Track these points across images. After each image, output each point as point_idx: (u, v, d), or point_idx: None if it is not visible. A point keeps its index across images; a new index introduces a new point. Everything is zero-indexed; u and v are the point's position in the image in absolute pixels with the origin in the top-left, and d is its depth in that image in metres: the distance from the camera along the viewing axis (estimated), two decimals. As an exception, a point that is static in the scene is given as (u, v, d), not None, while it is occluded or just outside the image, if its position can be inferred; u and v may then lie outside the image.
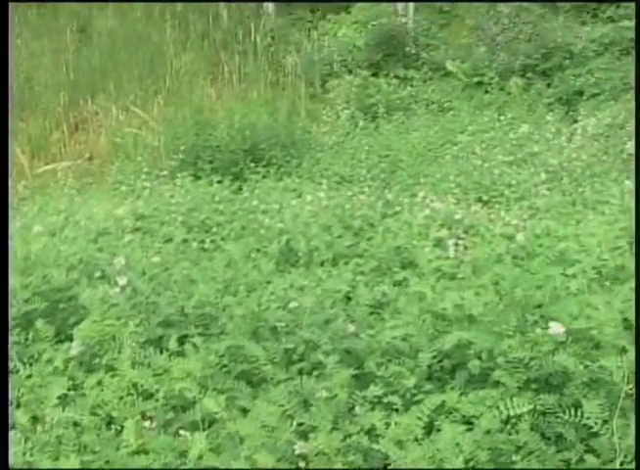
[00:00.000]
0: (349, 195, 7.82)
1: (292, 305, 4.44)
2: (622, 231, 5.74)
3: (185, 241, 7.12)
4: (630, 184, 7.99)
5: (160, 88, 14.95)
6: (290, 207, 7.52)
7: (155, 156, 11.82)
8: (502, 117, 12.52)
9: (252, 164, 10.30)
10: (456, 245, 5.97)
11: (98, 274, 4.95)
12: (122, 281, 4.49)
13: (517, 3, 16.59)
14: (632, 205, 6.32)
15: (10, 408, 3.52)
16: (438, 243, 6.22)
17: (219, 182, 9.18)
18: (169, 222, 7.68)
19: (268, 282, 5.22)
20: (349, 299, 5.03)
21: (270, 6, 18.36)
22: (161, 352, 3.88)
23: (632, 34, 15.74)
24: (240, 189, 9.27)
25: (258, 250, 6.39)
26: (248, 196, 8.50)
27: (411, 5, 16.61)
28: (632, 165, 9.72)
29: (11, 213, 4.29)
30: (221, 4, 18.35)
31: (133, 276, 4.73)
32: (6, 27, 4.33)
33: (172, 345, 3.93)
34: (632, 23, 16.09)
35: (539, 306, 4.10)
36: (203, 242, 7.03)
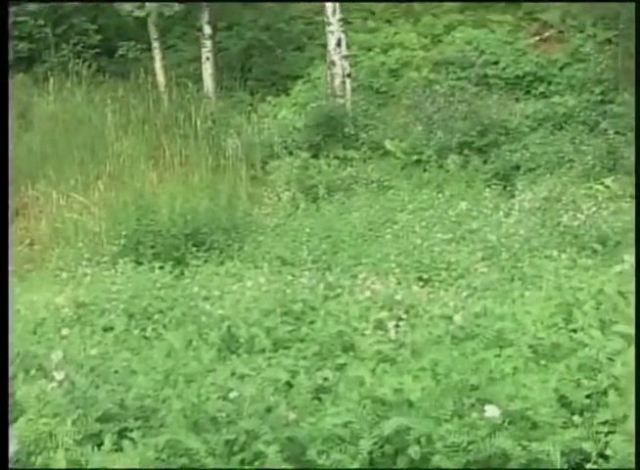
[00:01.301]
0: (291, 278, 7.85)
1: (232, 394, 4.42)
2: (557, 308, 5.83)
3: (126, 329, 7.06)
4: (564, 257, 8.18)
5: (101, 173, 14.97)
6: (231, 292, 7.52)
7: (96, 241, 11.78)
8: (441, 195, 12.72)
9: (194, 249, 10.32)
10: (396, 327, 6.01)
11: (35, 369, 4.90)
12: (60, 376, 4.45)
13: (452, 83, 17.04)
14: (563, 281, 6.44)
15: (10, 409, 3.44)
16: (379, 325, 6.25)
17: (161, 268, 9.15)
18: (110, 310, 7.63)
19: (209, 371, 5.19)
20: (291, 385, 5.02)
21: (210, 89, 18.63)
22: (99, 449, 3.84)
23: (564, 109, 16.20)
24: (182, 274, 9.26)
25: (199, 337, 6.36)
26: (189, 282, 8.49)
27: (349, 86, 16.93)
28: (568, 239, 9.93)
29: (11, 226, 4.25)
30: (161, 88, 18.56)
31: (71, 370, 4.68)
32: (6, 27, 4.34)
33: (110, 441, 3.89)
34: (562, 99, 16.60)
35: (476, 389, 4.15)
36: (144, 330, 6.98)
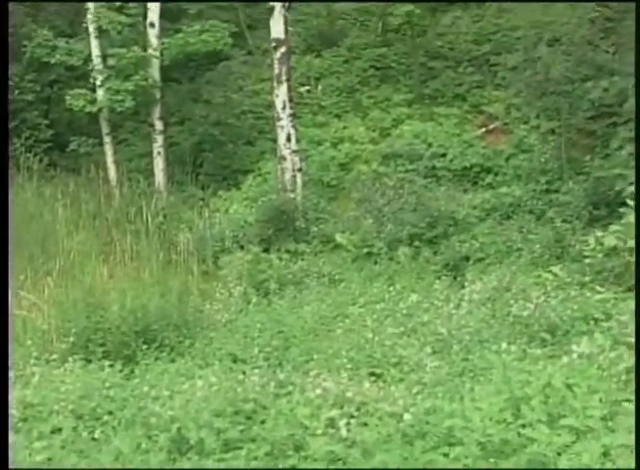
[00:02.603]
0: (242, 376, 7.79)
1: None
2: (506, 402, 5.86)
3: (74, 431, 6.94)
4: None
5: (51, 269, 14.84)
6: (181, 392, 7.44)
7: (45, 339, 11.61)
8: (392, 288, 12.76)
9: (145, 347, 10.22)
10: (348, 425, 5.99)
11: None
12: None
13: (401, 175, 17.32)
14: (512, 374, 6.47)
15: (10, 409, 3.33)
16: (331, 423, 6.22)
17: (111, 366, 9.03)
18: (59, 411, 7.49)
19: (157, 476, 5.12)
20: (241, 488, 4.97)
21: (162, 184, 18.76)
22: None
23: (511, 199, 16.52)
24: (132, 372, 9.14)
25: (149, 440, 6.27)
26: (139, 381, 8.38)
27: (299, 181, 17.12)
28: (518, 329, 9.99)
29: (10, 219, 4.18)
30: (112, 183, 18.64)
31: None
32: (6, 27, 4.36)
33: None
34: (509, 189, 16.93)
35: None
36: (92, 432, 6.85)
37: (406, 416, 5.69)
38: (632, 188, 14.02)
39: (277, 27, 17.20)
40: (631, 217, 12.84)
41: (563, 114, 17.35)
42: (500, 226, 15.65)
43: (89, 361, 9.68)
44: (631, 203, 13.33)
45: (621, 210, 13.50)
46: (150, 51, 19.63)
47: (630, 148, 15.34)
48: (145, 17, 19.97)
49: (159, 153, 19.63)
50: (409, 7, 20.80)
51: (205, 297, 13.46)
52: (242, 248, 15.48)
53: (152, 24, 19.79)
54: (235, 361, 9.52)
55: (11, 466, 3.07)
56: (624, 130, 15.98)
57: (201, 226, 16.52)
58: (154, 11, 19.80)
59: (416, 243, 14.99)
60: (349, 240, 15.33)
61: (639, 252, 8.78)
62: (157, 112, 19.81)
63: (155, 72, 19.74)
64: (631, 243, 12.14)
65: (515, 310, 10.36)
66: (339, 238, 15.47)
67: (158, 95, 19.82)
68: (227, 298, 13.19)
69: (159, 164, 19.54)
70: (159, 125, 19.83)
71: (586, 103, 17.23)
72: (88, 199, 17.82)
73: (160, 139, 19.72)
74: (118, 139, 21.02)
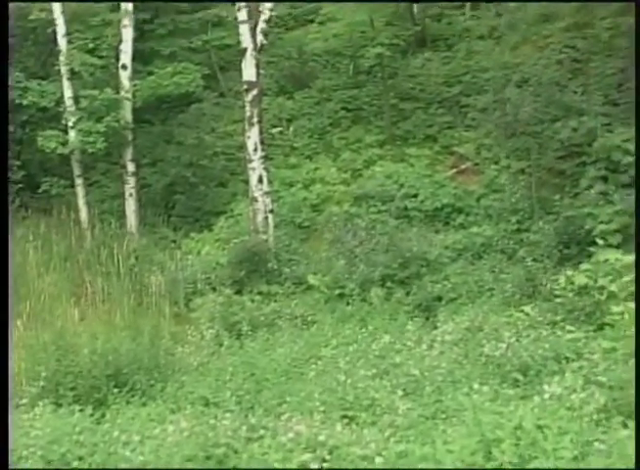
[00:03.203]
0: (213, 421, 7.75)
1: None
2: (478, 445, 5.86)
3: (43, 478, 6.87)
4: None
5: (21, 311, 14.72)
6: (152, 437, 7.39)
7: (15, 382, 11.49)
8: (364, 329, 12.75)
9: (116, 390, 10.12)
10: (320, 469, 5.97)
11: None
12: None
13: (373, 216, 17.38)
14: (484, 416, 6.47)
15: (10, 409, 3.26)
16: (303, 467, 6.19)
17: (81, 410, 8.96)
18: (28, 457, 7.41)
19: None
20: None
21: (133, 226, 18.74)
22: None
23: (482, 239, 16.62)
24: (103, 417, 9.06)
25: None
26: (110, 426, 8.31)
27: (271, 222, 17.14)
28: (490, 369, 10.01)
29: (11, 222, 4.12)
30: (84, 225, 18.58)
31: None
32: (6, 27, 4.35)
33: None
34: (480, 229, 17.03)
35: None
36: (62, 479, 6.80)
37: (378, 460, 5.68)
38: (602, 227, 14.20)
39: (249, 70, 17.29)
40: (601, 256, 12.98)
41: (533, 154, 17.53)
42: (472, 266, 15.69)
43: (59, 405, 9.59)
44: (601, 242, 13.49)
45: (591, 248, 13.65)
46: (122, 93, 19.68)
47: (599, 187, 15.54)
48: (117, 58, 20.06)
49: (130, 194, 19.62)
50: (380, 49, 20.95)
51: (177, 339, 13.39)
52: (214, 290, 15.42)
53: (124, 66, 19.88)
54: (207, 405, 9.45)
55: (11, 466, 3.04)
56: (593, 169, 16.19)
57: (172, 268, 16.46)
58: (126, 53, 19.90)
59: (388, 284, 14.97)
60: (322, 281, 15.31)
61: (639, 250, 8.72)
62: (128, 153, 19.84)
63: (127, 114, 19.79)
64: (601, 281, 12.26)
65: (487, 351, 10.38)
66: (311, 279, 15.46)
67: (130, 137, 19.86)
68: (199, 340, 13.13)
69: (130, 206, 19.52)
70: (130, 167, 19.85)
71: (556, 143, 17.46)
72: (59, 240, 17.75)
73: (131, 181, 19.72)
74: (90, 181, 20.99)
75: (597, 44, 21.28)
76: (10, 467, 2.91)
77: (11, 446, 2.89)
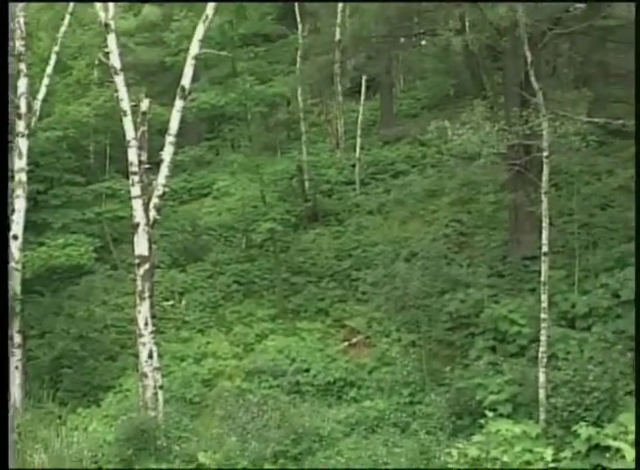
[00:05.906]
0: None
1: None
2: None
3: None
4: None
5: None
6: None
7: None
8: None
9: None
10: None
11: None
12: None
13: (265, 391, 17.22)
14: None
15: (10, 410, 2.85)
16: None
17: None
18: None
19: None
20: None
21: (18, 400, 18.21)
22: None
23: (375, 413, 16.56)
24: None
25: None
26: None
27: (161, 398, 16.79)
28: None
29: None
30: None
31: None
32: (6, 27, 4.14)
33: None
34: (373, 403, 17.02)
35: None
36: None
37: None
38: (492, 397, 14.41)
39: (141, 245, 17.24)
40: (493, 427, 13.16)
41: (422, 326, 17.91)
42: (365, 440, 15.59)
43: None
44: (490, 413, 13.68)
45: (482, 420, 13.80)
46: (12, 264, 19.39)
47: (488, 357, 15.86)
48: (8, 229, 19.87)
49: (16, 367, 19.06)
50: (272, 224, 21.39)
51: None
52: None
53: (15, 237, 19.67)
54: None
55: (11, 466, 2.78)
56: (482, 340, 16.62)
57: (58, 446, 15.84)
58: (18, 223, 19.74)
59: (281, 460, 14.78)
60: (212, 459, 14.96)
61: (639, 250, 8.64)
62: (16, 325, 19.36)
63: (16, 285, 19.45)
64: (494, 453, 12.40)
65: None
66: (201, 457, 15.08)
67: (17, 308, 19.44)
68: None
69: (15, 379, 18.91)
70: (17, 339, 19.35)
71: (444, 315, 17.94)
72: None
73: (18, 353, 19.19)
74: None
75: (481, 218, 22.21)
76: (10, 467, 2.72)
77: (11, 446, 2.72)
